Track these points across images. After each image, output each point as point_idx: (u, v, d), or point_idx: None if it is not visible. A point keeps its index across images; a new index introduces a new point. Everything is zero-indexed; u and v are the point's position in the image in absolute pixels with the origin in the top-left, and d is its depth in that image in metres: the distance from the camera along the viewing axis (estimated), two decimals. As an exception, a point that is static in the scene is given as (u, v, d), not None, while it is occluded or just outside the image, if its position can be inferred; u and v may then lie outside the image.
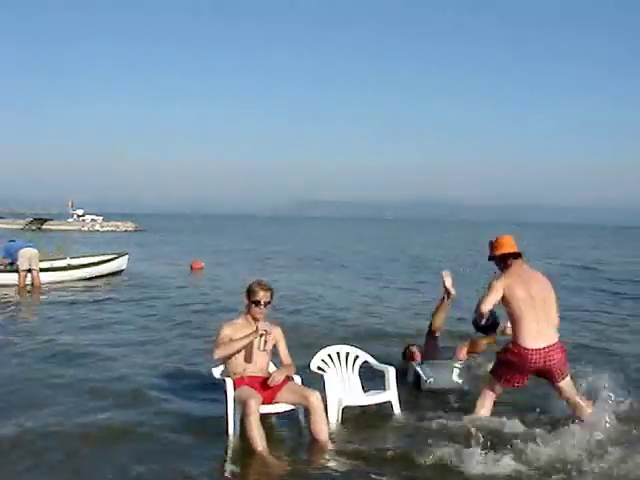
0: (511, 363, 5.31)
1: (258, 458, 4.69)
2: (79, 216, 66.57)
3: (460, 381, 6.58)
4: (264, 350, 5.29)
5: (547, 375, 5.35)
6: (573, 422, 5.18)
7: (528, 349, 5.18)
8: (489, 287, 5.36)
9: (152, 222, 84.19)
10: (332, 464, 4.71)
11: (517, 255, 5.55)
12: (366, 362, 6.12)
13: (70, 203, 67.74)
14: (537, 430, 5.14)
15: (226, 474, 4.63)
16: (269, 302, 5.30)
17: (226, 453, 4.93)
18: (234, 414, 5.14)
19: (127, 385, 6.71)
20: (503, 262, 5.56)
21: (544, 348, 5.18)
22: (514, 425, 5.30)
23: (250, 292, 5.30)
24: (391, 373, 5.83)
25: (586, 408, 5.37)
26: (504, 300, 5.32)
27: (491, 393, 5.53)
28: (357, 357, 6.11)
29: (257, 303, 5.24)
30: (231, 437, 5.11)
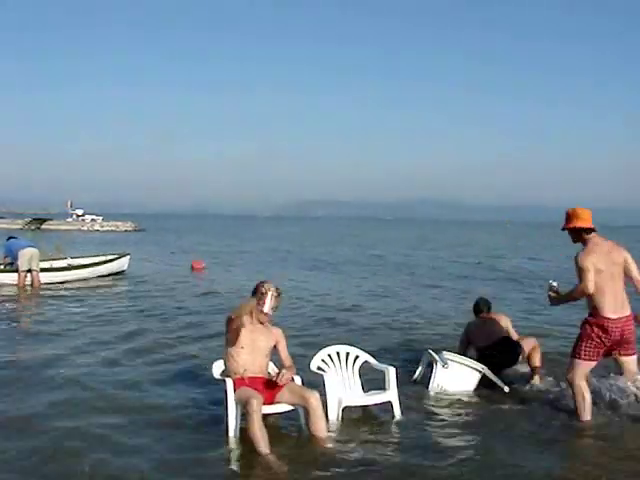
0: (591, 336, 5.35)
1: (259, 458, 4.69)
2: (79, 216, 66.63)
3: (472, 386, 6.52)
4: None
5: (619, 348, 5.43)
6: None
7: (609, 319, 5.28)
8: (580, 269, 5.33)
9: (152, 222, 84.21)
10: (332, 464, 4.70)
11: (591, 230, 5.52)
12: (366, 362, 6.13)
13: (69, 203, 67.79)
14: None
15: (227, 474, 4.64)
16: (275, 307, 5.32)
17: (226, 453, 4.93)
18: (235, 414, 5.15)
19: (125, 385, 6.70)
20: (576, 235, 5.55)
21: (622, 319, 5.31)
22: None
23: (257, 292, 5.27)
24: (391, 373, 5.83)
25: None
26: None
27: (584, 383, 5.45)
28: (357, 357, 6.11)
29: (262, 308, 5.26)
30: (231, 437, 5.11)
